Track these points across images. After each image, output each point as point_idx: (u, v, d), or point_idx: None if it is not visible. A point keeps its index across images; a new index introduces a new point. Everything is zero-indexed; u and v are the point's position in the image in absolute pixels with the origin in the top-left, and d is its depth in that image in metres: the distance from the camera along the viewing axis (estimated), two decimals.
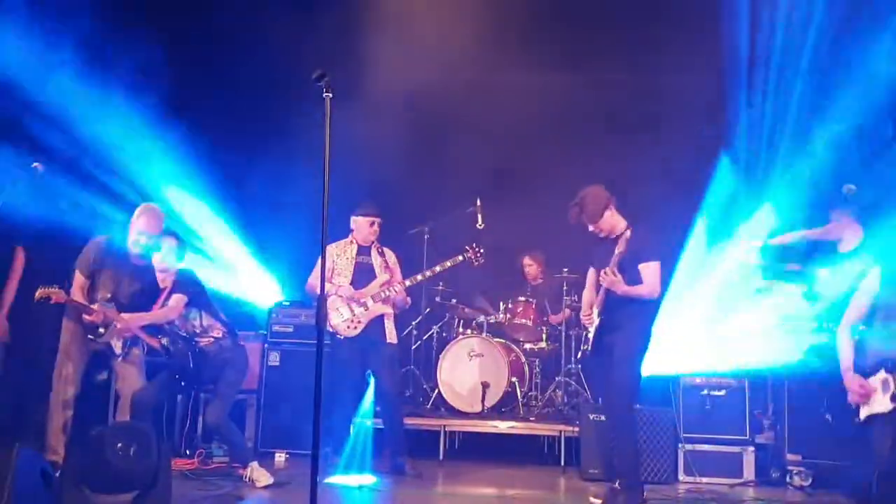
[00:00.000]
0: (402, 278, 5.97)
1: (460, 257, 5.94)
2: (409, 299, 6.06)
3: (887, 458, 4.02)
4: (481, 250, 5.99)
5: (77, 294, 5.11)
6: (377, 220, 5.92)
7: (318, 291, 5.61)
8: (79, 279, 5.17)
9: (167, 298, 5.29)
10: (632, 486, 4.81)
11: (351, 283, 5.82)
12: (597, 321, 4.99)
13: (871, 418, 4.09)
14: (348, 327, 5.74)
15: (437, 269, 5.93)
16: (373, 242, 5.97)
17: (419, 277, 5.96)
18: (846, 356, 4.26)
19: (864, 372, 4.17)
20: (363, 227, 5.92)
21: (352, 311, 5.76)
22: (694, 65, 6.80)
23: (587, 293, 5.29)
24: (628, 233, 4.90)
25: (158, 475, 3.51)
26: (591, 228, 5.02)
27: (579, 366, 7.10)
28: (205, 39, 6.96)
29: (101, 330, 5.09)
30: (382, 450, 6.05)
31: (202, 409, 6.17)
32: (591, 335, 5.07)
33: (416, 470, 5.69)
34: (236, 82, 7.22)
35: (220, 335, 5.46)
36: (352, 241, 5.96)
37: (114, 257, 5.22)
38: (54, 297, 4.87)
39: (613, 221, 4.99)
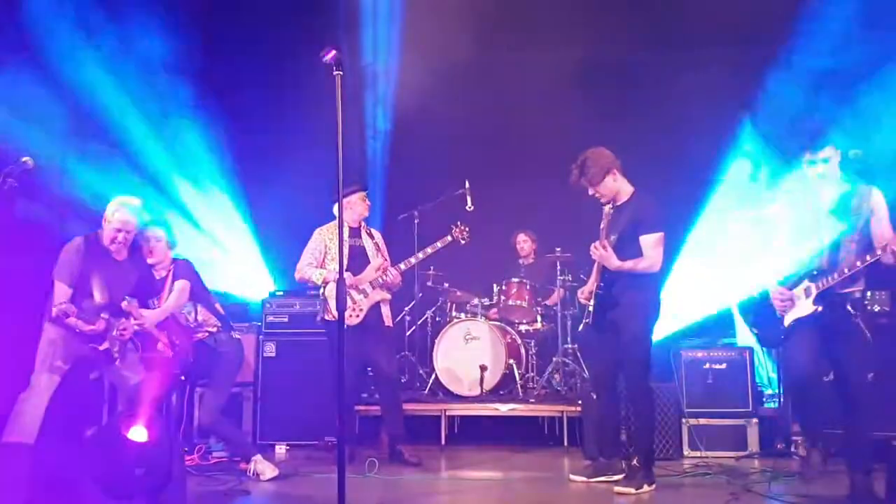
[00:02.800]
0: (388, 258, 5.92)
1: (449, 237, 5.95)
2: (400, 279, 5.93)
3: (803, 364, 4.31)
4: (467, 228, 6.03)
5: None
6: (364, 194, 5.85)
7: (311, 279, 5.64)
8: (62, 289, 4.77)
9: (171, 289, 5.15)
10: (650, 461, 4.79)
11: (347, 269, 5.65)
12: (593, 294, 4.85)
13: (795, 323, 4.36)
14: (350, 315, 5.61)
15: (429, 250, 5.89)
16: (361, 224, 5.88)
17: (412, 261, 5.90)
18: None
19: (790, 285, 4.44)
20: (357, 204, 5.79)
21: (352, 298, 5.65)
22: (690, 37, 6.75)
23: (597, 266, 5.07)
24: (608, 209, 4.79)
25: (172, 471, 3.41)
26: (591, 192, 4.84)
27: (575, 345, 7.07)
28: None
29: (100, 340, 4.87)
30: (380, 436, 6.01)
31: (198, 405, 6.09)
32: (591, 308, 4.93)
33: (416, 457, 5.61)
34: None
35: (216, 329, 5.34)
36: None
37: (98, 259, 4.87)
38: (70, 313, 4.61)
39: (616, 187, 4.81)
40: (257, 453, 5.19)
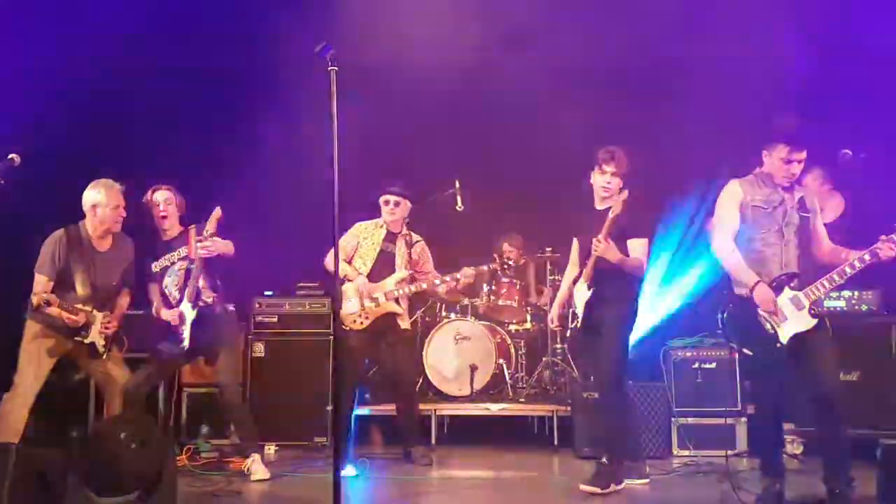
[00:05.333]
0: (431, 270, 5.81)
1: (495, 266, 5.77)
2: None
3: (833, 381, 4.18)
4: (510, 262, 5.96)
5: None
6: (392, 198, 5.66)
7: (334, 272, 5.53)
8: (42, 282, 4.77)
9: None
10: (619, 462, 4.76)
11: (370, 273, 5.61)
12: (587, 294, 4.83)
13: (796, 339, 4.12)
14: (355, 321, 5.56)
15: (470, 273, 5.67)
16: (401, 229, 5.76)
17: (451, 281, 5.69)
18: (744, 270, 4.23)
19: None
20: (381, 207, 5.69)
21: (362, 304, 5.56)
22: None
23: (570, 270, 5.17)
24: (626, 194, 4.68)
25: (163, 469, 3.38)
26: (602, 172, 4.80)
27: (565, 345, 7.07)
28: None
29: (84, 333, 4.83)
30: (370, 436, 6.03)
31: (186, 406, 6.08)
32: (579, 311, 4.94)
33: (427, 458, 5.63)
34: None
35: (211, 300, 5.11)
36: (382, 225, 5.74)
37: (80, 251, 4.86)
38: (52, 302, 4.61)
39: (618, 189, 4.82)
40: (258, 452, 5.15)
